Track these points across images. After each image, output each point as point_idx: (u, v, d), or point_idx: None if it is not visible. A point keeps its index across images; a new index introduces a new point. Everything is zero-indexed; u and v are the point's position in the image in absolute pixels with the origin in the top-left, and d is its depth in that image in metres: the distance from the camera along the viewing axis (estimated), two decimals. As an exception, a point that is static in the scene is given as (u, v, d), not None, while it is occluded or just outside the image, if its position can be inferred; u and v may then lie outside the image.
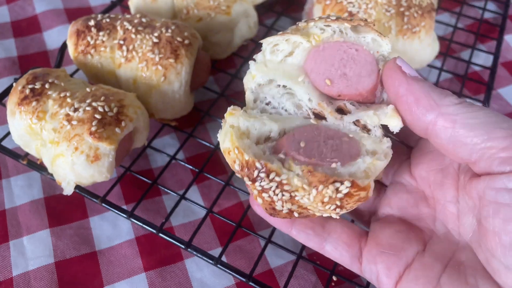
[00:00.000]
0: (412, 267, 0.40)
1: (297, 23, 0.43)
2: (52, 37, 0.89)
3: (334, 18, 0.40)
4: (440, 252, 0.40)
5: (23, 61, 0.84)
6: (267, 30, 0.85)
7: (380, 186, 0.49)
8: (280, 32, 0.42)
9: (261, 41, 0.42)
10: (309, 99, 0.41)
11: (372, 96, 0.41)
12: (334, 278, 0.58)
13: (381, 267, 0.41)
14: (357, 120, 0.41)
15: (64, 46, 0.73)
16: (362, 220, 0.50)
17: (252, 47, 0.83)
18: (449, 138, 0.35)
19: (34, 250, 0.59)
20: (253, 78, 0.42)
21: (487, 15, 0.93)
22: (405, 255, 0.41)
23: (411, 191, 0.45)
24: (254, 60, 0.43)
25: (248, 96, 0.44)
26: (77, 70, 0.73)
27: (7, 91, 0.67)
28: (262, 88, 0.43)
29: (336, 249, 0.45)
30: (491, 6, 0.95)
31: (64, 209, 0.64)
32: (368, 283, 0.54)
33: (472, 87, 0.82)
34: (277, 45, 0.42)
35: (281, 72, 0.41)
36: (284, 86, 0.42)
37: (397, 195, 0.46)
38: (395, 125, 0.39)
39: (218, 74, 0.80)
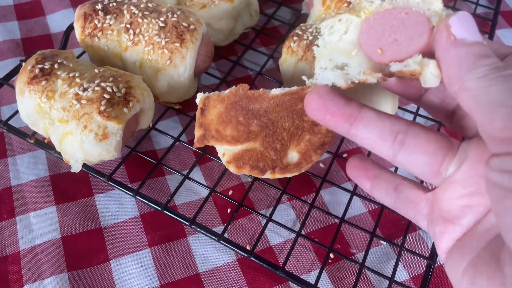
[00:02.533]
0: (464, 235, 0.38)
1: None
2: (56, 21, 0.90)
3: None
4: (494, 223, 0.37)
5: (27, 43, 0.85)
6: (268, 19, 0.87)
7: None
8: (334, 13, 0.44)
9: (319, 25, 0.46)
10: (359, 71, 0.42)
11: (429, 55, 0.40)
12: (332, 255, 0.60)
13: (437, 230, 0.40)
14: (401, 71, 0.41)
15: (69, 29, 0.74)
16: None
17: (253, 34, 0.85)
18: (468, 112, 0.34)
19: (40, 226, 0.61)
20: (318, 63, 0.45)
21: (480, 10, 0.96)
22: (461, 224, 0.38)
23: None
24: (317, 45, 0.45)
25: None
26: (82, 53, 0.75)
27: (13, 72, 0.69)
28: (323, 71, 0.45)
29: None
30: (483, 1, 0.98)
31: (70, 187, 0.65)
32: (364, 261, 0.57)
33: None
34: (333, 27, 0.44)
35: (337, 50, 0.43)
36: (342, 68, 0.44)
37: (472, 149, 0.40)
38: (434, 76, 0.37)
39: (220, 60, 0.82)
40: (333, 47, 0.44)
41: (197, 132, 0.56)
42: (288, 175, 0.56)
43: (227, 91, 0.54)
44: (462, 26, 0.35)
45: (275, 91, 0.55)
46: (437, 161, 0.41)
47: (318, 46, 0.45)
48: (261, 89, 0.56)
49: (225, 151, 0.57)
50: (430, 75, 0.38)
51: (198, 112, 0.55)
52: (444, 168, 0.41)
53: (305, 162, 0.55)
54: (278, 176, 0.56)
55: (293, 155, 0.55)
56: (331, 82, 0.44)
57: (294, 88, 0.54)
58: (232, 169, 0.56)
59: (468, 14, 0.35)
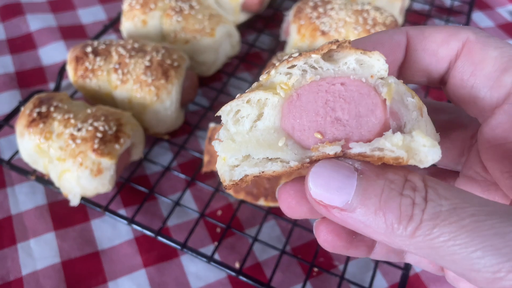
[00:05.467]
0: None
1: (260, 78, 0.33)
2: (47, 54, 0.94)
3: (296, 55, 0.32)
4: None
5: (21, 77, 0.89)
6: (249, 46, 0.93)
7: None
8: (238, 95, 0.33)
9: (217, 114, 0.33)
10: (298, 161, 0.31)
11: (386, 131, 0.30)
12: (315, 269, 0.65)
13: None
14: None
15: (62, 69, 0.79)
16: None
17: (235, 63, 0.90)
18: None
19: (41, 252, 0.65)
20: (225, 160, 0.33)
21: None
22: None
23: (486, 187, 0.37)
24: (219, 140, 0.33)
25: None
26: (76, 91, 0.80)
27: (12, 114, 0.74)
28: (239, 168, 0.32)
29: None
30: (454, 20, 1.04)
31: (67, 214, 0.69)
32: (343, 272, 0.62)
33: (435, 95, 0.90)
34: (239, 112, 0.32)
35: (255, 142, 0.32)
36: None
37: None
38: (430, 147, 0.28)
39: (206, 89, 0.87)
40: (247, 140, 0.32)
41: (205, 158, 0.64)
42: None
43: None
44: (329, 190, 0.28)
45: None
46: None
47: (220, 141, 0.33)
48: None
49: None
50: (423, 149, 0.28)
51: (206, 141, 0.63)
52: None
53: None
54: (271, 204, 0.61)
55: None
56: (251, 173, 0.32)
57: None
58: (230, 193, 0.62)
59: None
